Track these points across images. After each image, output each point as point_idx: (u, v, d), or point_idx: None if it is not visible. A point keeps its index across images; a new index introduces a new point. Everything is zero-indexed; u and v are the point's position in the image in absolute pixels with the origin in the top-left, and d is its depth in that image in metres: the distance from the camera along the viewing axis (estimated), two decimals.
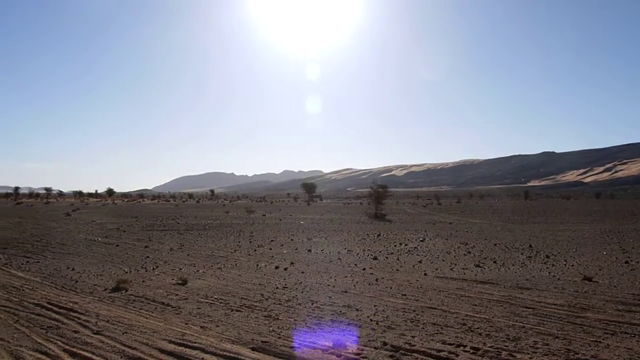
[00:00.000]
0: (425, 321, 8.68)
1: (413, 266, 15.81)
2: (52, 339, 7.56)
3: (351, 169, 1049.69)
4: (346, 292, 11.45)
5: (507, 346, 7.18)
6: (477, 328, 8.18)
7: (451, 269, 15.11)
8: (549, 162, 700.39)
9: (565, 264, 16.03)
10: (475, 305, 10.02)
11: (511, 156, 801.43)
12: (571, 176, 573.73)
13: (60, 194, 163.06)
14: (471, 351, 6.99)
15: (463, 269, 15.23)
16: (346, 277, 13.65)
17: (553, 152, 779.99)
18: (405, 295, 11.08)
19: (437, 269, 15.10)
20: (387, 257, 17.85)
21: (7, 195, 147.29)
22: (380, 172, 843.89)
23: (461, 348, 7.12)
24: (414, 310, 9.51)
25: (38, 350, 7.05)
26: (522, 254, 18.76)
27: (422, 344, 7.30)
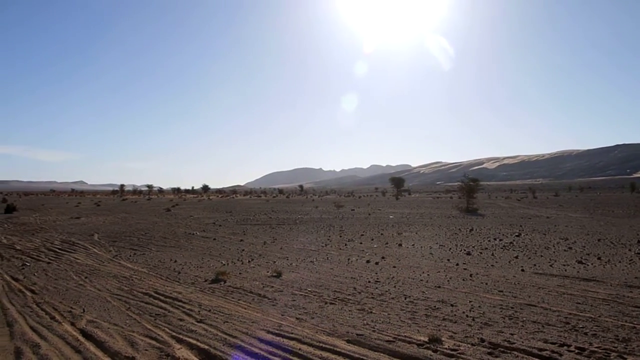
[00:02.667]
0: (524, 319, 8.38)
1: (509, 262, 15.25)
2: (160, 326, 8.09)
3: (440, 162, 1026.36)
4: (440, 287, 11.30)
5: (616, 347, 6.79)
6: (582, 327, 7.77)
7: (551, 265, 14.41)
8: None
9: None
10: (579, 303, 9.52)
11: (615, 146, 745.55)
12: None
13: (161, 190, 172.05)
14: (576, 351, 6.67)
15: (564, 265, 14.48)
16: (439, 272, 13.44)
17: None
18: (501, 291, 10.75)
19: (535, 265, 14.47)
20: (481, 253, 17.36)
21: (113, 192, 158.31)
22: (470, 165, 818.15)
23: (565, 348, 6.81)
24: (512, 307, 9.21)
25: (148, 335, 7.56)
26: (630, 250, 17.48)
27: (522, 342, 7.06)
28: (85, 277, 12.79)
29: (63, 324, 8.27)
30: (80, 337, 7.50)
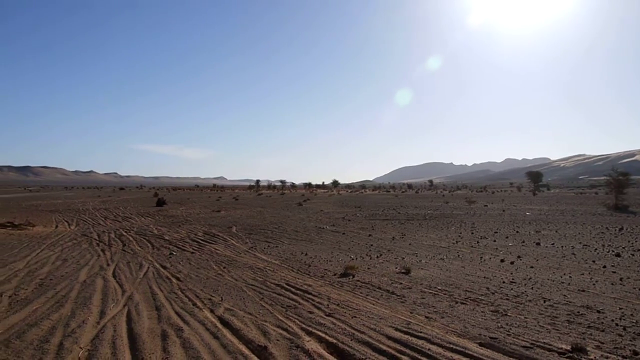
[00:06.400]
0: None
1: None
2: (290, 317, 8.34)
3: (583, 154, 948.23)
4: (584, 291, 10.39)
5: None
6: None
7: None
8: None
9: None
10: None
11: None
12: None
13: (293, 185, 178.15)
14: None
15: None
16: (583, 274, 12.37)
17: None
18: None
19: None
20: (632, 254, 15.68)
21: (250, 187, 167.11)
22: (619, 157, 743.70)
23: None
24: None
25: (279, 326, 7.83)
26: None
27: None
28: (224, 267, 13.62)
29: (203, 310, 8.86)
30: (218, 324, 7.97)
